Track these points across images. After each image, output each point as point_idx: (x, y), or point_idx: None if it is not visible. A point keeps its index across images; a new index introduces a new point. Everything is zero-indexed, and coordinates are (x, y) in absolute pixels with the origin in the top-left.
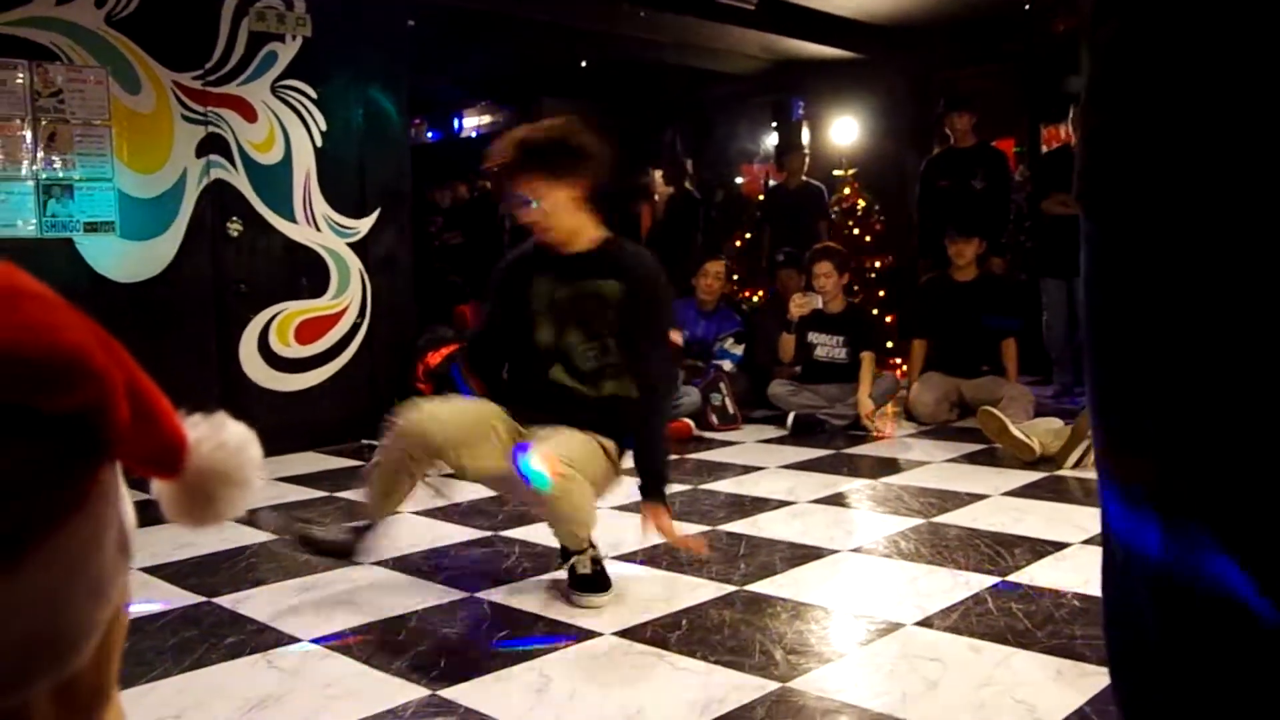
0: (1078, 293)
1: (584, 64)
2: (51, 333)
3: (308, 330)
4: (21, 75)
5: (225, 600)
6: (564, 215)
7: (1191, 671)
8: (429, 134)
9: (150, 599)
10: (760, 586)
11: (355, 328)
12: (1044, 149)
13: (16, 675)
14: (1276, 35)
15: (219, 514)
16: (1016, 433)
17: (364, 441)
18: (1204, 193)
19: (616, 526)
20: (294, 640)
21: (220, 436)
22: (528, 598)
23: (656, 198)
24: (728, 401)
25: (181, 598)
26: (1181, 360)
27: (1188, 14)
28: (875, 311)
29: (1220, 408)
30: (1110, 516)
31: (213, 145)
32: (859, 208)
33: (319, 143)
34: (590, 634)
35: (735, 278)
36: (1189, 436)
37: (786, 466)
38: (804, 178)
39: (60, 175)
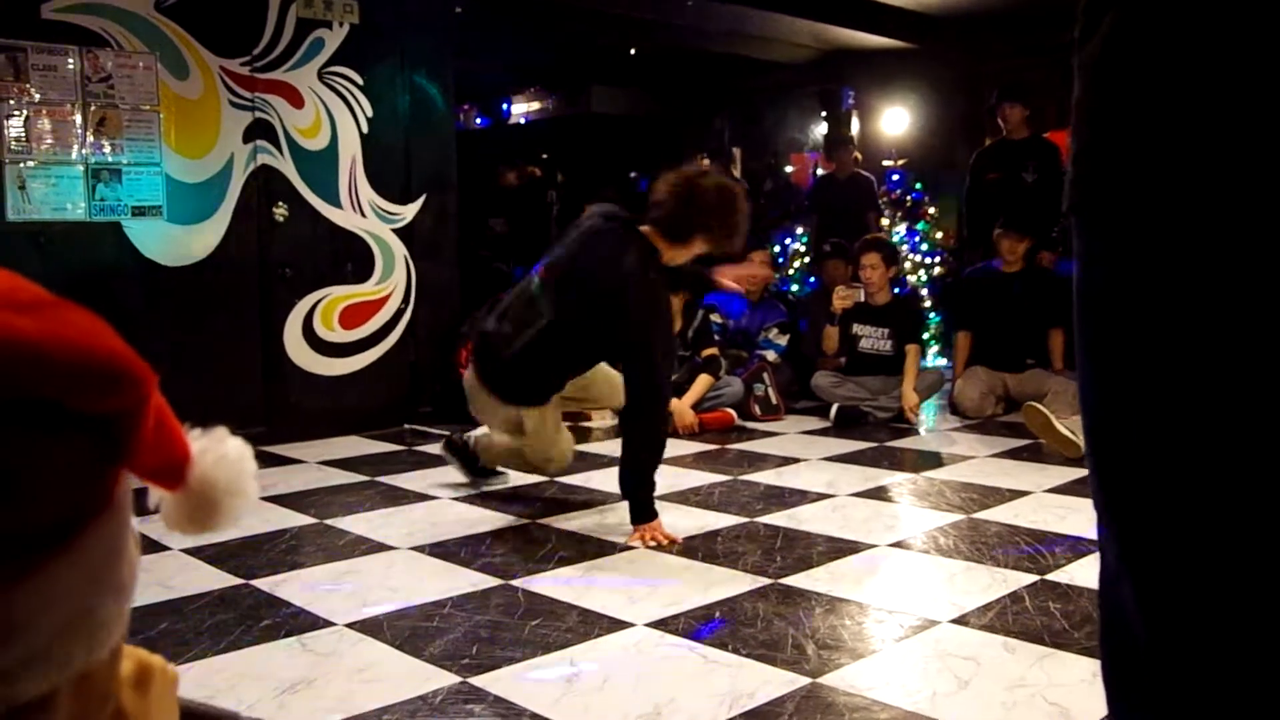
0: None
1: (633, 51)
2: (103, 336)
3: (352, 315)
4: (72, 61)
5: (263, 583)
6: None
7: (1177, 680)
8: (478, 119)
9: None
10: (796, 580)
11: (399, 313)
12: None
13: (57, 658)
14: (1258, 51)
15: (220, 523)
16: (1061, 429)
17: (406, 426)
18: (1190, 203)
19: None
20: (329, 624)
21: (221, 449)
22: (562, 586)
23: None
24: (771, 392)
25: (220, 580)
26: (1134, 370)
27: (1170, 32)
28: (928, 304)
29: (1150, 419)
30: (1097, 526)
31: (259, 131)
32: (908, 199)
33: (365, 129)
34: (623, 624)
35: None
36: (1116, 446)
37: (828, 459)
38: (854, 169)
39: (109, 160)
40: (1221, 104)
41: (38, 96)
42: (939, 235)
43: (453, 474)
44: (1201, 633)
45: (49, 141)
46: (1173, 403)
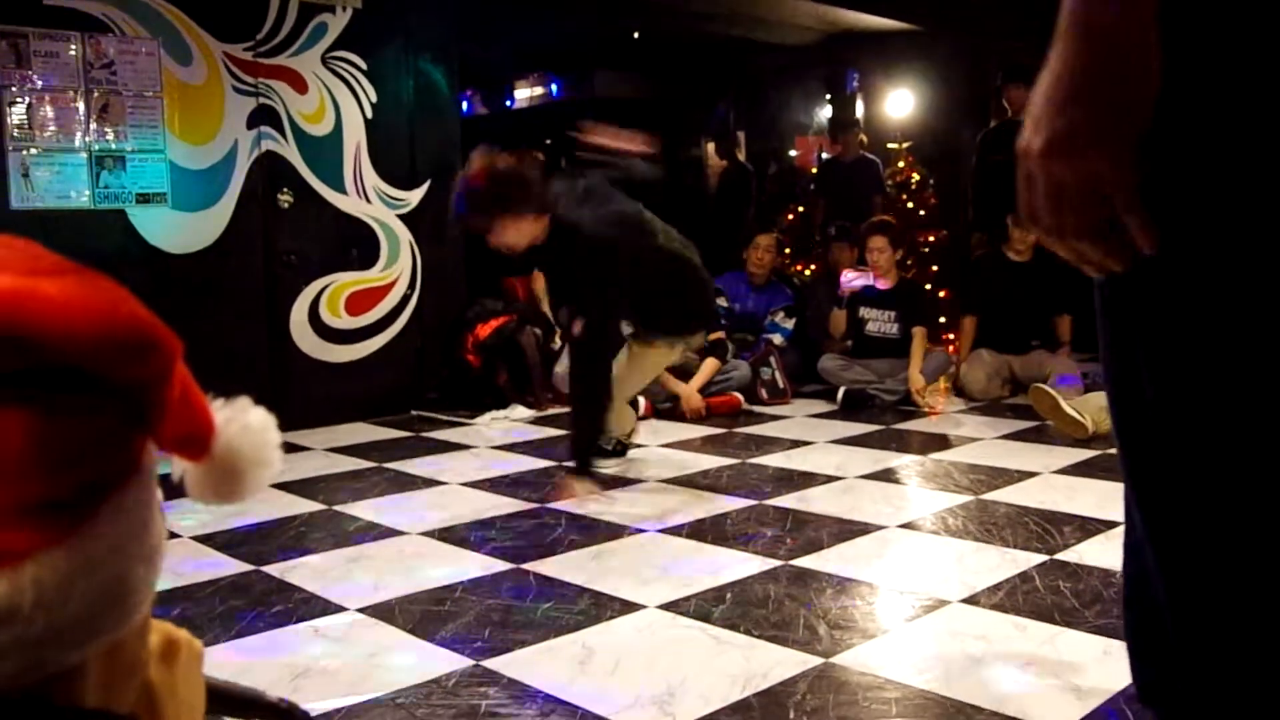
0: None
1: (636, 35)
2: (129, 304)
3: (358, 302)
4: (74, 47)
5: (274, 569)
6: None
7: (1201, 647)
8: (481, 105)
9: (200, 565)
10: (806, 561)
11: (405, 299)
12: None
13: (88, 627)
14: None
15: (244, 493)
16: (1069, 410)
17: (413, 412)
18: (1215, 190)
19: (664, 499)
20: (340, 609)
21: (245, 419)
22: (573, 569)
23: (709, 170)
24: (777, 375)
25: (231, 565)
26: (1154, 341)
27: (1211, 19)
28: (928, 286)
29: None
30: (1125, 495)
31: (263, 117)
32: (913, 181)
33: (369, 114)
34: (634, 606)
35: (787, 251)
36: (1138, 417)
37: (836, 441)
38: (859, 151)
39: (113, 147)
40: (1250, 101)
41: (40, 83)
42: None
43: (459, 460)
44: (1224, 600)
45: (52, 128)
46: (1193, 373)
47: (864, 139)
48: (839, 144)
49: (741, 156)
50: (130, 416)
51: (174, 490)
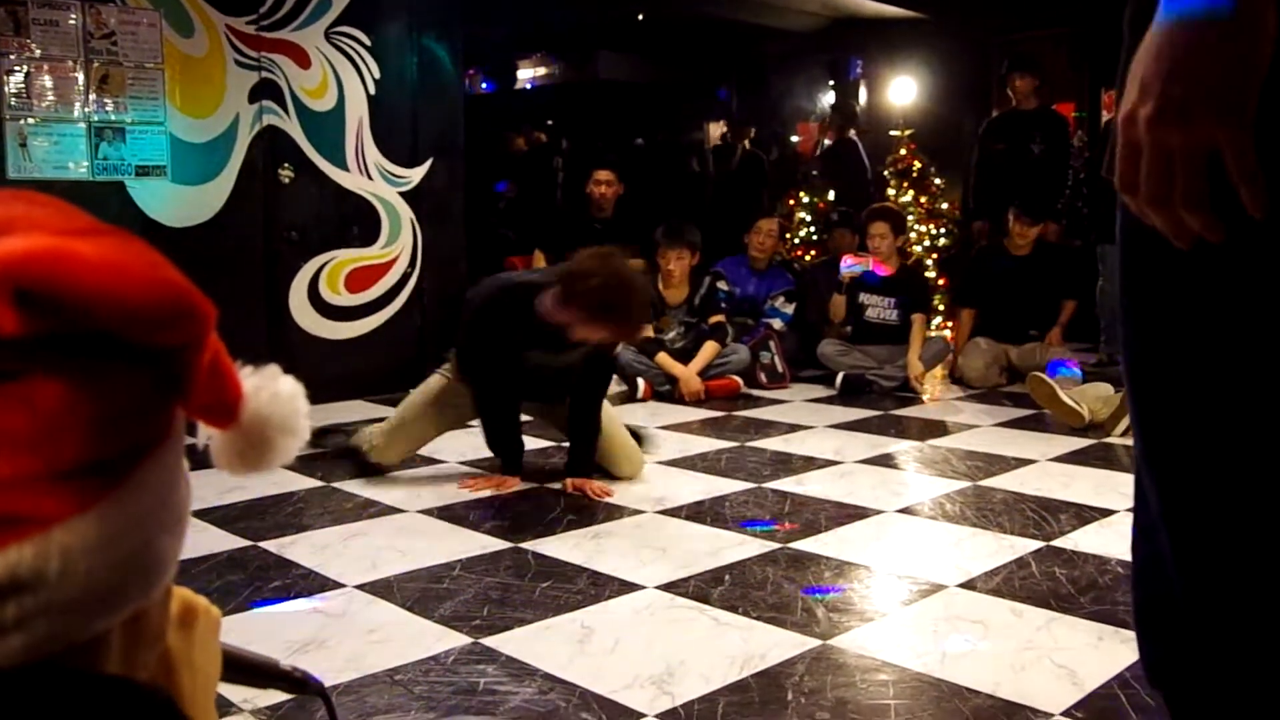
0: None
1: (640, 17)
2: (164, 268)
3: (358, 279)
4: (74, 16)
5: (271, 545)
6: None
7: (1213, 626)
8: (483, 84)
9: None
10: (804, 544)
11: (405, 277)
12: (1104, 114)
13: (114, 596)
14: None
15: (272, 461)
16: (1066, 399)
17: (413, 391)
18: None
19: (663, 481)
20: (339, 585)
21: (274, 386)
22: (571, 549)
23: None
24: (777, 360)
25: (228, 542)
26: (1175, 328)
27: None
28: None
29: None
30: (1137, 475)
31: (265, 91)
32: (914, 169)
33: (372, 91)
34: (633, 586)
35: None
36: (1157, 402)
37: (834, 426)
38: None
39: (112, 118)
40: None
41: (39, 52)
42: (944, 206)
43: (457, 439)
44: (1238, 581)
45: (50, 98)
46: (1212, 361)
47: (853, 130)
48: (830, 130)
49: (747, 142)
50: (162, 382)
51: (200, 459)
